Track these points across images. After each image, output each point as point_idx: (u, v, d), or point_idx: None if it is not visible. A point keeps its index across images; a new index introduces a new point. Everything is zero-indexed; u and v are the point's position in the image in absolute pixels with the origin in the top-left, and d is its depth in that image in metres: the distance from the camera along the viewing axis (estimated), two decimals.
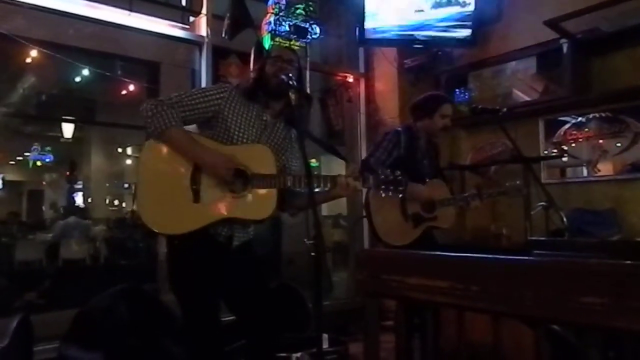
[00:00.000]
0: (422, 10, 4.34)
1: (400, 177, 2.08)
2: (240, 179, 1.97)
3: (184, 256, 1.97)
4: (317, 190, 2.03)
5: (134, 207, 1.92)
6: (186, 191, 1.91)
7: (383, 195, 2.10)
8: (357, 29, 4.41)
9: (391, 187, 2.07)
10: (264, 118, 2.10)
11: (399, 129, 2.99)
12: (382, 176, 2.08)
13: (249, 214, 1.99)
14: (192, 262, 1.97)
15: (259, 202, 1.98)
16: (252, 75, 2.18)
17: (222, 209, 1.94)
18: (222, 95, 2.02)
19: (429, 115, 2.93)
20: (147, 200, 1.93)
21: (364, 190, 2.94)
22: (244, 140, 2.03)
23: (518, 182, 3.09)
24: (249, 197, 1.96)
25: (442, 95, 3.13)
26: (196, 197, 1.92)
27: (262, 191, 1.97)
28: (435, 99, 3.01)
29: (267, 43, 3.87)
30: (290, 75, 2.03)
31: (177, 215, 1.92)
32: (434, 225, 2.91)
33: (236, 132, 2.02)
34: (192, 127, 2.09)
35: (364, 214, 2.99)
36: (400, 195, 2.15)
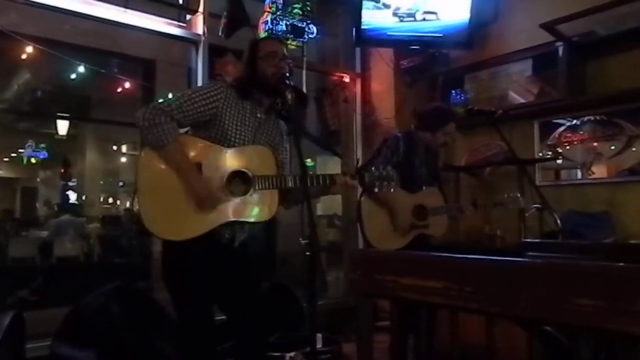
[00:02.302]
0: (416, 19, 4.36)
1: (391, 172, 2.11)
2: (243, 181, 1.97)
3: (184, 256, 1.96)
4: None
5: (136, 210, 1.88)
6: (189, 197, 1.91)
7: (377, 190, 2.13)
8: (354, 29, 4.41)
9: (385, 183, 2.10)
10: (258, 115, 2.08)
11: (399, 134, 2.98)
12: (376, 173, 2.10)
13: (252, 216, 1.99)
14: (192, 262, 1.96)
15: (262, 203, 1.99)
16: (244, 71, 2.12)
17: (226, 213, 1.94)
18: (219, 96, 1.99)
19: (431, 129, 2.93)
20: (151, 208, 1.91)
21: (358, 193, 2.95)
22: (241, 141, 2.02)
23: (518, 195, 3.07)
24: (252, 199, 1.97)
25: (449, 113, 3.08)
26: None
27: (264, 192, 1.98)
28: (442, 117, 2.99)
29: None
30: (288, 75, 2.03)
31: (182, 221, 1.92)
32: (424, 233, 2.91)
33: (233, 133, 2.00)
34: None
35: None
36: (392, 190, 2.17)
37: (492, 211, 3.36)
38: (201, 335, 1.96)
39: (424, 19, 4.35)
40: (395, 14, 4.35)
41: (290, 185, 1.99)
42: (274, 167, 2.03)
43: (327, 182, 2.06)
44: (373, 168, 2.14)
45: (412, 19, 4.35)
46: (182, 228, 1.91)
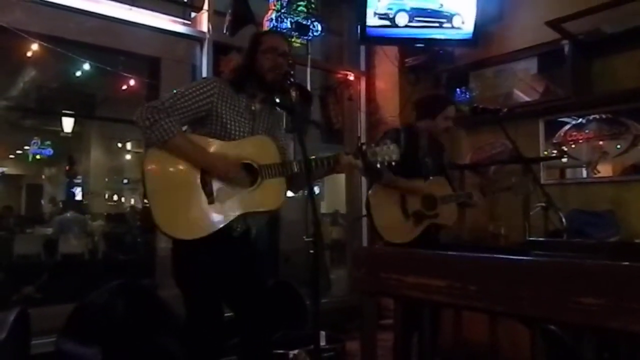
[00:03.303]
0: (396, 23, 4.36)
1: (392, 146, 2.14)
2: (249, 173, 1.98)
3: (195, 253, 1.95)
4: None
5: (153, 219, 1.87)
6: (199, 194, 1.91)
7: (379, 166, 2.13)
8: (359, 26, 4.41)
9: (386, 157, 2.12)
10: (253, 108, 2.09)
11: (399, 127, 2.98)
12: (377, 148, 2.13)
13: (263, 205, 2.01)
14: (203, 259, 1.95)
15: (271, 192, 2.01)
16: (242, 62, 2.12)
17: (238, 206, 1.95)
18: (212, 91, 1.99)
19: (430, 115, 2.92)
20: (164, 210, 1.89)
21: (364, 189, 2.95)
22: (241, 133, 2.02)
23: (525, 178, 3.05)
24: (261, 189, 1.98)
25: (445, 97, 3.10)
26: (210, 198, 1.92)
27: (272, 181, 1.99)
28: (439, 101, 2.99)
29: None
30: (291, 72, 2.03)
31: (197, 220, 1.91)
32: (436, 223, 2.90)
33: (233, 127, 2.01)
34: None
35: (365, 212, 2.98)
36: (394, 164, 2.17)
37: (496, 198, 3.33)
38: (210, 333, 1.96)
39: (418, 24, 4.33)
40: (375, 14, 4.34)
41: (295, 170, 2.01)
42: (277, 155, 2.04)
43: (331, 163, 2.08)
44: (373, 144, 2.14)
45: (391, 22, 4.33)
46: (197, 226, 1.90)
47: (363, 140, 5.01)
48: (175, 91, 1.98)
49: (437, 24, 4.35)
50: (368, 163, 2.16)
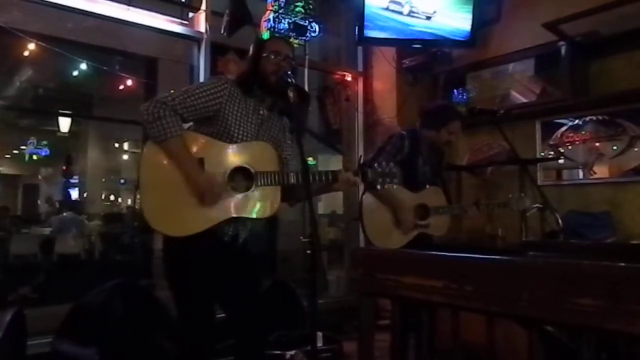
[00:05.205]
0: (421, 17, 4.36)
1: (394, 169, 2.12)
2: (245, 178, 1.97)
3: (186, 254, 1.95)
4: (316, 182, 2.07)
5: (142, 211, 1.87)
6: (191, 193, 1.90)
7: (379, 187, 2.13)
8: (357, 27, 4.41)
9: (387, 180, 2.11)
10: (261, 112, 2.08)
11: (404, 132, 2.96)
12: (379, 169, 2.11)
13: (254, 212, 1.99)
14: (193, 260, 1.95)
15: (264, 199, 1.99)
16: (246, 67, 2.13)
17: (229, 209, 1.94)
18: (222, 92, 1.99)
19: (435, 127, 2.90)
20: (153, 204, 1.90)
21: (360, 191, 2.96)
22: (244, 137, 2.01)
23: (522, 195, 3.05)
24: (254, 195, 1.97)
25: (453, 111, 3.05)
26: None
27: (266, 188, 1.98)
28: (446, 114, 2.96)
29: None
30: (290, 73, 2.03)
31: (184, 217, 1.91)
32: (425, 233, 2.90)
33: (236, 130, 2.00)
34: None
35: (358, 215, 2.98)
36: (395, 186, 2.18)
37: (495, 211, 3.36)
38: (202, 333, 1.96)
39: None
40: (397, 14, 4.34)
41: (292, 181, 1.99)
42: (276, 164, 2.03)
43: (330, 178, 2.06)
44: (376, 164, 2.14)
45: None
46: (184, 224, 1.90)
47: (361, 140, 5.02)
48: (185, 88, 1.97)
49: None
50: (368, 183, 2.18)
